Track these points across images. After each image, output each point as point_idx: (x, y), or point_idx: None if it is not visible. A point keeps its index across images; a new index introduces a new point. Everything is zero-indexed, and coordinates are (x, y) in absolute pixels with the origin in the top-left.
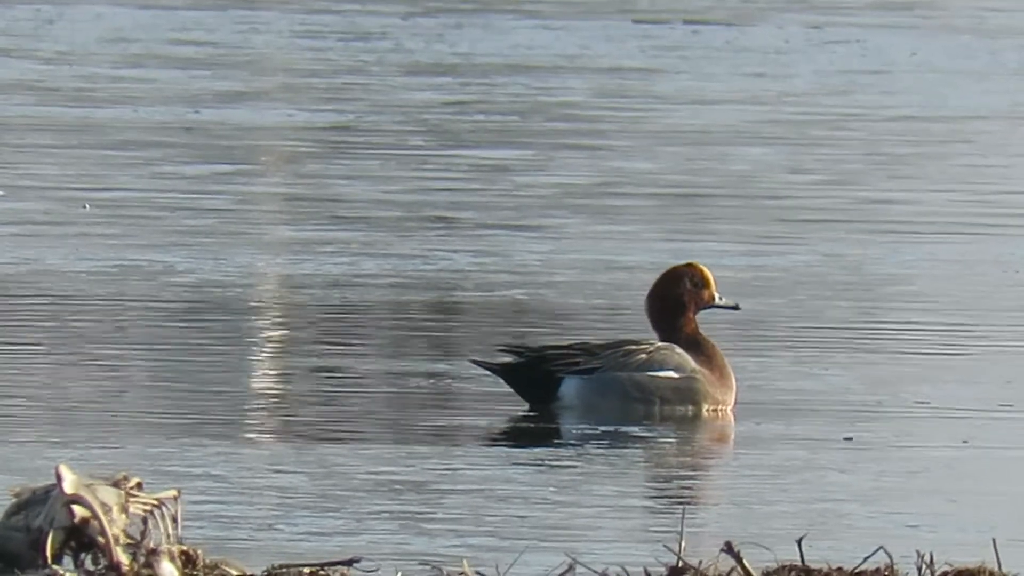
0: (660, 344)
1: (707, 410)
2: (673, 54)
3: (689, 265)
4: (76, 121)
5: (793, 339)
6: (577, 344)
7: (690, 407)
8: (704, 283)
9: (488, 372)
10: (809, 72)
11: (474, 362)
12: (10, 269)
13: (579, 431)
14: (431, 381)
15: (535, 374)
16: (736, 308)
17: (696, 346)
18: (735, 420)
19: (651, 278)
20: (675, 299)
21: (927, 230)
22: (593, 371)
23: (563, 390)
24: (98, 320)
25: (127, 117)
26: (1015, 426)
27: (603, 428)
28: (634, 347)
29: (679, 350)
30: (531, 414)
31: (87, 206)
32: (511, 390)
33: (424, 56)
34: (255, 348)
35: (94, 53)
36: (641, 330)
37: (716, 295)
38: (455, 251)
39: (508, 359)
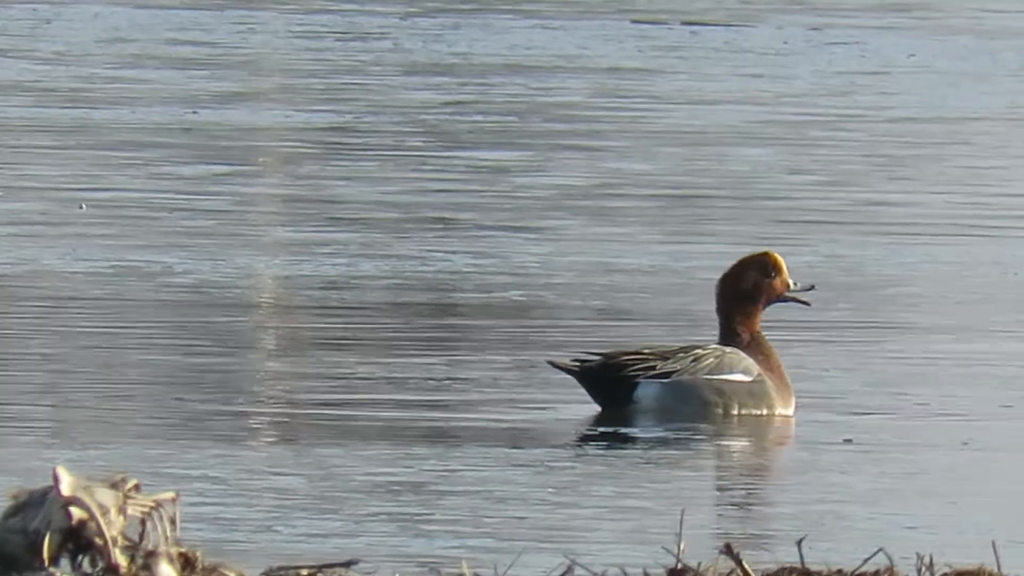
0: (725, 348)
1: (777, 413)
2: (672, 54)
3: (764, 254)
4: (73, 121)
5: (794, 339)
6: (648, 348)
7: (764, 410)
8: (778, 271)
9: (565, 374)
10: (808, 73)
11: (551, 363)
12: (7, 270)
13: (578, 432)
14: (429, 382)
15: (611, 378)
16: (812, 289)
17: (757, 348)
18: (795, 425)
19: (650, 280)
20: (747, 288)
21: (926, 231)
22: (669, 375)
23: (639, 394)
24: (95, 321)
25: (124, 117)
26: (1015, 427)
27: (602, 429)
28: (701, 351)
29: (742, 354)
30: (529, 414)
31: (84, 207)
32: (512, 390)
33: (422, 56)
34: (253, 349)
35: (91, 53)
36: (641, 332)
37: (791, 282)
38: (453, 252)
39: (583, 362)
